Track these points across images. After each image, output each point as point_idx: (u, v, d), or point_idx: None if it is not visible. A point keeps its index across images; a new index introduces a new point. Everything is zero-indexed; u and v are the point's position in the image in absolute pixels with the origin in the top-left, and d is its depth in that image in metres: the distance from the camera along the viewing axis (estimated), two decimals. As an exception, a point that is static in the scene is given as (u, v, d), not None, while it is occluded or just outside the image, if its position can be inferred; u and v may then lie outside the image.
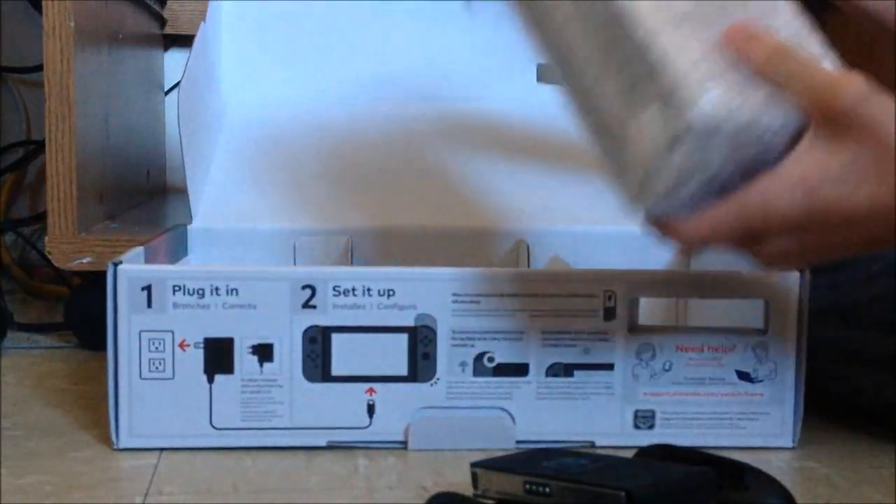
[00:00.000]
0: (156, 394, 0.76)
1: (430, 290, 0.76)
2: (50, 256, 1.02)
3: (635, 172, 0.62)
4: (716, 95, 0.58)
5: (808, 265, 0.69)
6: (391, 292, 0.76)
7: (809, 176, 0.60)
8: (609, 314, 0.77)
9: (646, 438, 0.78)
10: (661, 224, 0.64)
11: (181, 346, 0.76)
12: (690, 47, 0.59)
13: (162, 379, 0.76)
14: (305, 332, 0.76)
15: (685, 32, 0.59)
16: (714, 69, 0.59)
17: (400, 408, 0.77)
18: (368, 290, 0.76)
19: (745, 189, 0.62)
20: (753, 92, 0.60)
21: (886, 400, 0.81)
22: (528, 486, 0.63)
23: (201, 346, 0.76)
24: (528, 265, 0.96)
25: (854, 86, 0.59)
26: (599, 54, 0.62)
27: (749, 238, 0.63)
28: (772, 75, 0.60)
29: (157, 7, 1.40)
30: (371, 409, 0.77)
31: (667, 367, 0.78)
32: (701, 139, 0.59)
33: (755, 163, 0.62)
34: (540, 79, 1.18)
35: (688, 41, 0.59)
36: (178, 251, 0.95)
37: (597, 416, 0.78)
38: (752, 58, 0.60)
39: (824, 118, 0.60)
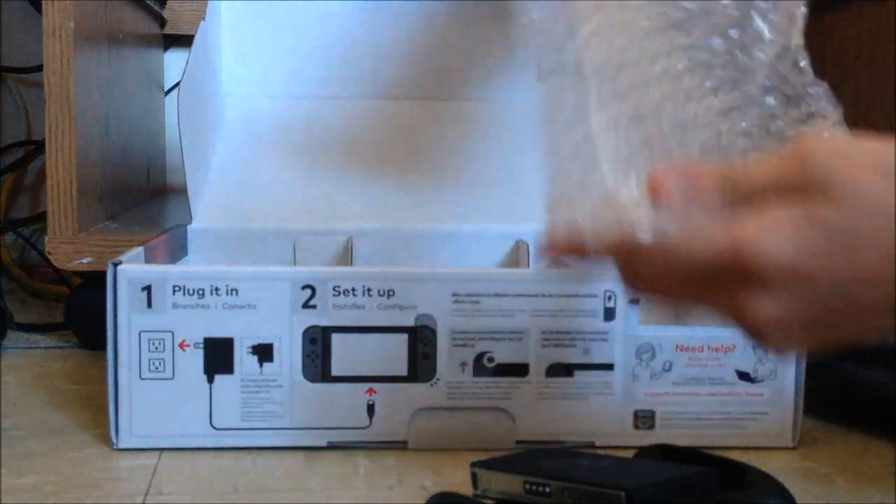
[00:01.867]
0: (156, 394, 0.76)
1: (430, 290, 0.76)
2: (50, 256, 1.02)
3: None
4: None
5: (815, 339, 0.49)
6: (391, 292, 0.76)
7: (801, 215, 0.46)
8: (609, 314, 0.77)
9: (646, 438, 0.78)
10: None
11: (181, 346, 0.76)
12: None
13: (162, 379, 0.76)
14: (305, 332, 0.76)
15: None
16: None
17: (400, 408, 0.77)
18: (368, 290, 0.76)
19: None
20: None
21: (887, 397, 0.81)
22: (528, 486, 0.63)
23: (201, 346, 0.76)
24: (528, 265, 0.96)
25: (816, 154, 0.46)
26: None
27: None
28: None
29: (157, 7, 1.40)
30: (371, 409, 0.77)
31: (667, 367, 0.78)
32: None
33: None
34: (540, 78, 1.18)
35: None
36: (178, 251, 0.95)
37: (597, 416, 0.78)
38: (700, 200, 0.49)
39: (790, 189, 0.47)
